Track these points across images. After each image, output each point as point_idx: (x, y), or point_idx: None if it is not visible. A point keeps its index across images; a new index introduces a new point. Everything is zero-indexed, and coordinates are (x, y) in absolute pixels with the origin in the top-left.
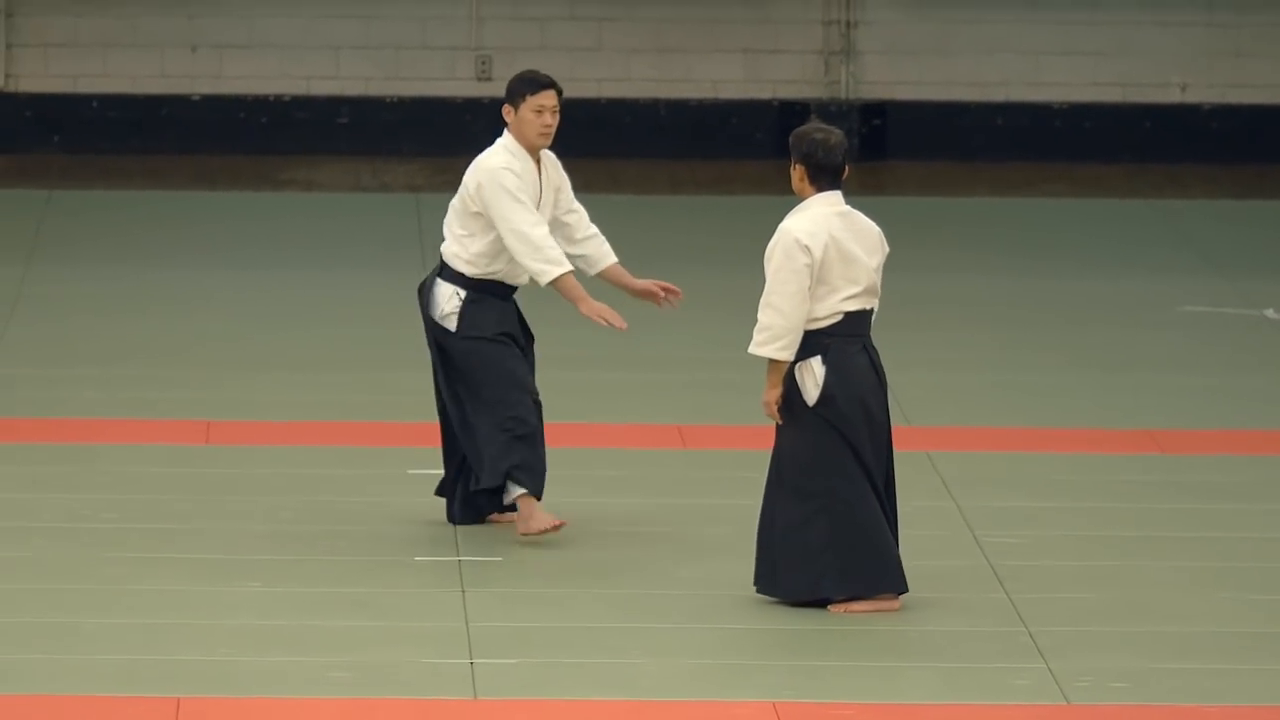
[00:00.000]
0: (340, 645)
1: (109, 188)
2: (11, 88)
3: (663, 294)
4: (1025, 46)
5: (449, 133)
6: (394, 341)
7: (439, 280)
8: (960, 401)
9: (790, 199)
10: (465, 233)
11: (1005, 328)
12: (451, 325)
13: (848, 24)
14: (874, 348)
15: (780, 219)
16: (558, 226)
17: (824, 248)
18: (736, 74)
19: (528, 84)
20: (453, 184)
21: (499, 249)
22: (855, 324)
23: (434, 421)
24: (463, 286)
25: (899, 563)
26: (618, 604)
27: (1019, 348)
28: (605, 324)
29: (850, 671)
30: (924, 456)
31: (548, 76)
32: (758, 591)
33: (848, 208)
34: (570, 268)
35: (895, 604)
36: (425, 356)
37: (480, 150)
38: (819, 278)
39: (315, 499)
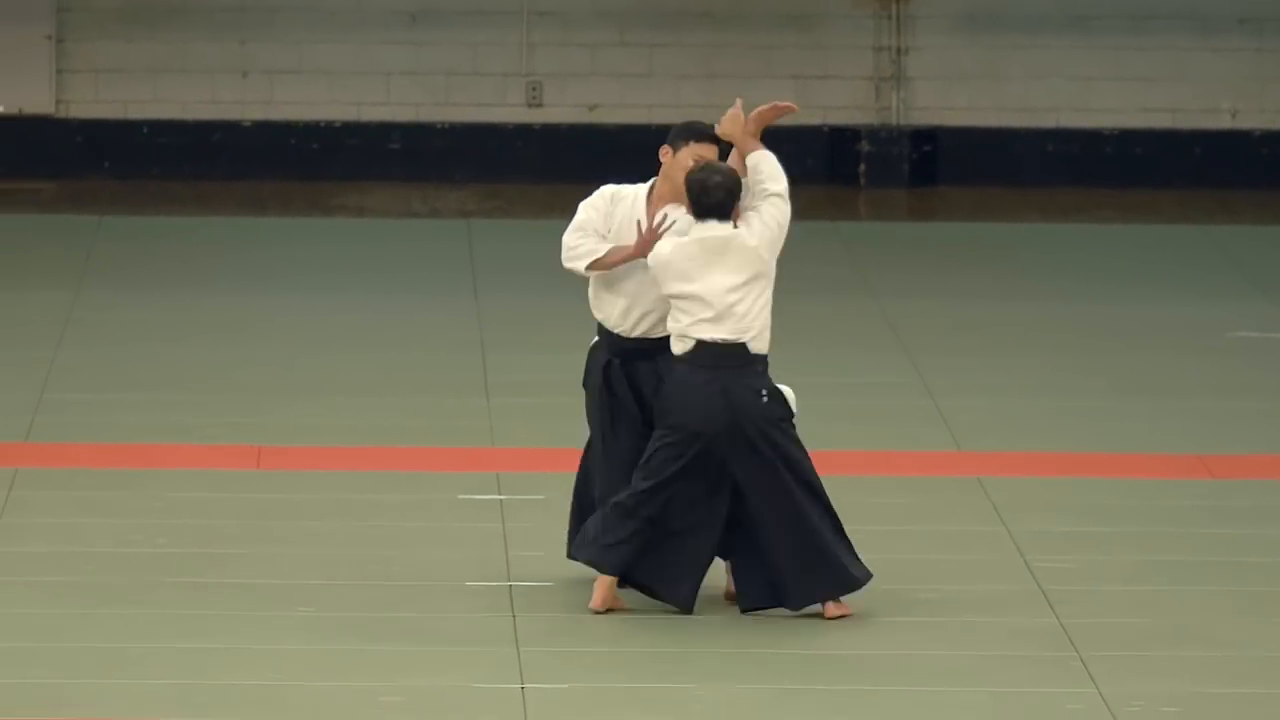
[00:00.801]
0: (391, 670)
1: (159, 213)
2: (62, 113)
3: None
4: (1076, 72)
5: (500, 159)
6: (445, 366)
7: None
8: (1010, 426)
9: (847, 224)
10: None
11: (1055, 353)
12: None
13: (898, 50)
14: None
15: (832, 243)
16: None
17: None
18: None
19: (693, 132)
20: (503, 210)
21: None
22: (709, 354)
23: (484, 446)
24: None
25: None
26: (668, 628)
27: (1069, 372)
28: (660, 223)
29: (901, 696)
30: (974, 481)
31: (714, 131)
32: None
33: (715, 233)
34: (601, 253)
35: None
36: (474, 380)
37: (529, 175)
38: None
39: (366, 524)
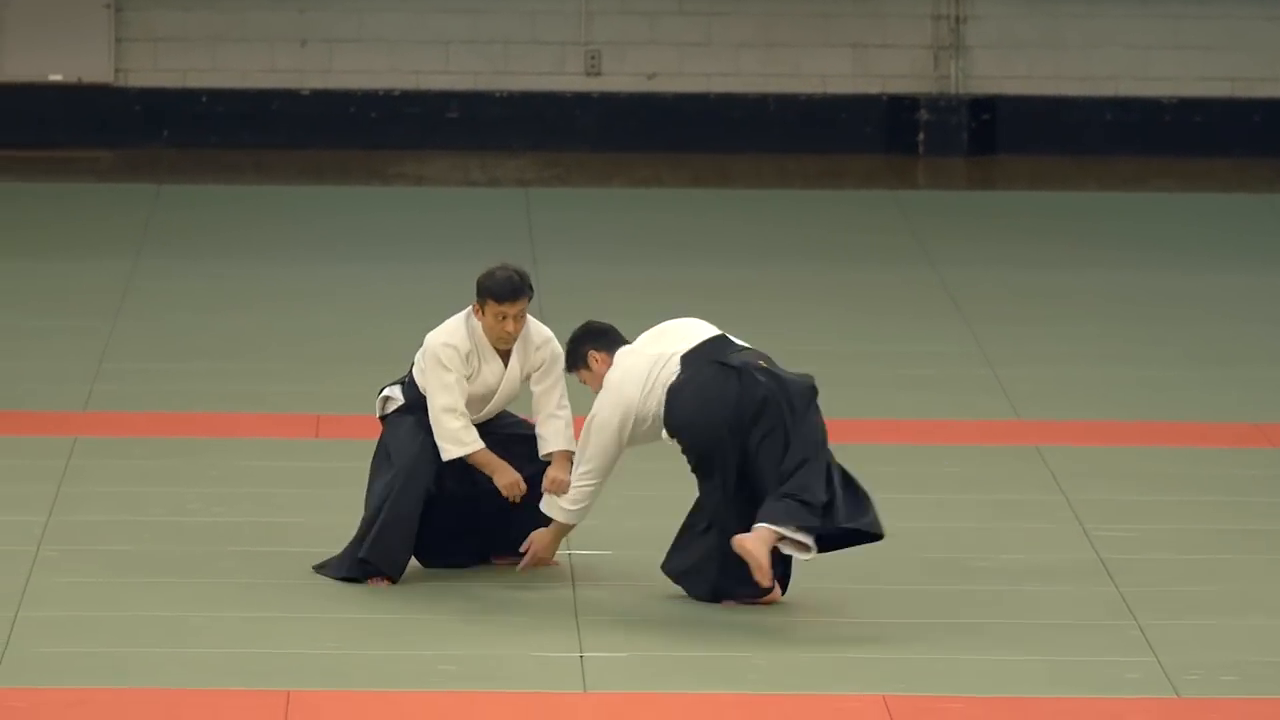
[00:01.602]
0: (449, 639)
1: (218, 182)
2: (121, 82)
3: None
4: (1134, 41)
5: (558, 127)
6: None
7: None
8: (1069, 395)
9: (906, 193)
10: None
11: (1113, 322)
12: None
13: (957, 19)
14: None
15: (889, 213)
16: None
17: None
18: (845, 68)
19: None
20: (561, 179)
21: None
22: None
23: None
24: None
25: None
26: None
27: (1127, 341)
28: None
29: (959, 665)
30: (1033, 450)
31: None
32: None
33: None
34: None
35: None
36: None
37: (588, 143)
38: None
39: None
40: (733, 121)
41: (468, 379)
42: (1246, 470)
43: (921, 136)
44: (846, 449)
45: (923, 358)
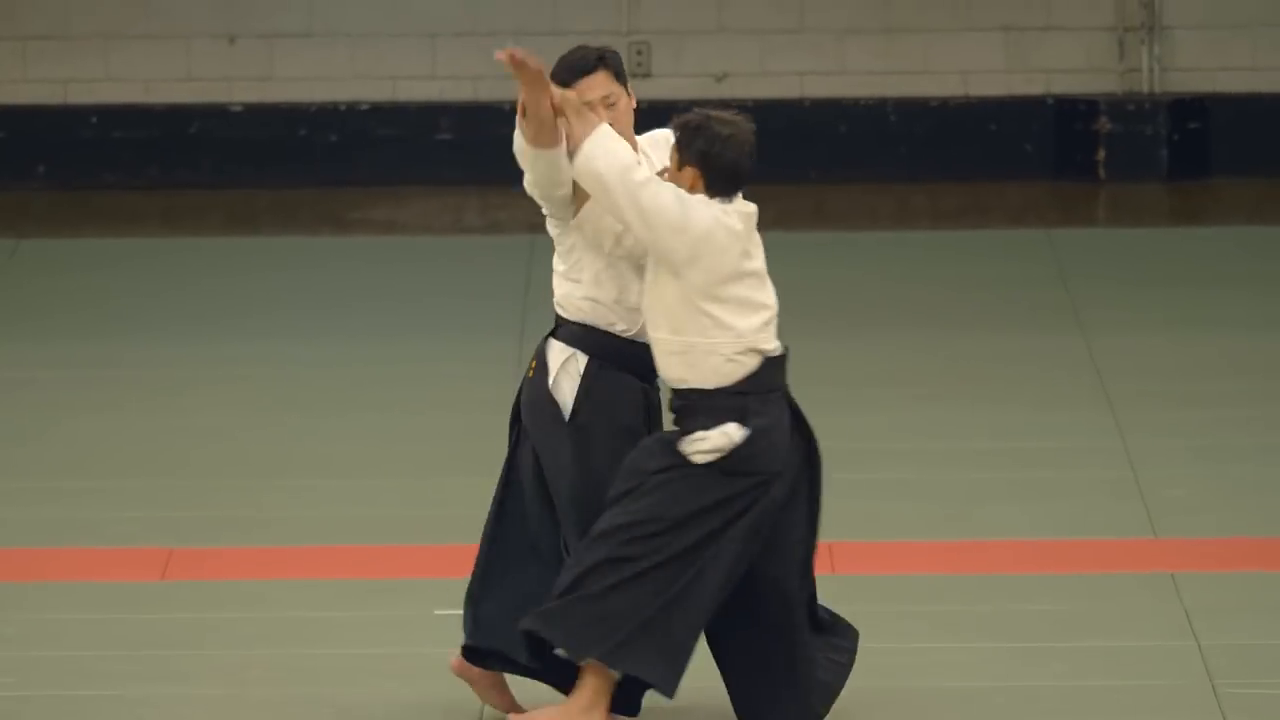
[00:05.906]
0: None
1: (109, 234)
2: None
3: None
4: None
5: None
6: (471, 435)
7: None
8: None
9: (1073, 232)
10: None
11: None
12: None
13: None
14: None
15: (1043, 257)
16: None
17: None
18: (994, 62)
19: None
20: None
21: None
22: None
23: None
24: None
25: None
26: None
27: None
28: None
29: None
30: (1167, 578)
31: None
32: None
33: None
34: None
35: None
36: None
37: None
38: None
39: (312, 653)
40: (836, 136)
41: None
42: None
43: (1102, 154)
44: (907, 580)
45: (1044, 455)
